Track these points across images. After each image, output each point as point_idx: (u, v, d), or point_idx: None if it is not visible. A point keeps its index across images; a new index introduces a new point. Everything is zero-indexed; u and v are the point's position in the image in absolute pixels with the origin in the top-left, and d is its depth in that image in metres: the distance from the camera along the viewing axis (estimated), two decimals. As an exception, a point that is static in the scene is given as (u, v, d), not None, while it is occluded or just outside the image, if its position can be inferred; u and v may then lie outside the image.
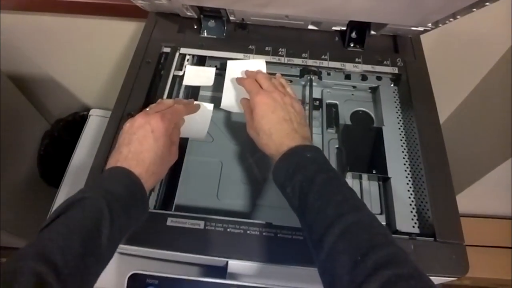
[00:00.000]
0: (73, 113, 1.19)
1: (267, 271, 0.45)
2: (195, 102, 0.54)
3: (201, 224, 0.45)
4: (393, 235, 0.45)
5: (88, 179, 0.49)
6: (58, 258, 0.31)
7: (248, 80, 0.52)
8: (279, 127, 0.45)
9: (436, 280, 0.45)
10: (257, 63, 0.58)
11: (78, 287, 0.32)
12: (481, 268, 0.97)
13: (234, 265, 0.44)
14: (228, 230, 0.45)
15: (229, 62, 0.59)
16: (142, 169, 0.41)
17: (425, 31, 0.58)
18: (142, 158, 0.42)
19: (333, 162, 0.56)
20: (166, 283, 0.43)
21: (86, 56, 0.97)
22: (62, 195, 0.65)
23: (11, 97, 1.00)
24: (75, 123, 1.18)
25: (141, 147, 0.42)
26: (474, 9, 0.48)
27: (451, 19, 0.52)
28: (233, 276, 0.46)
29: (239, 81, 0.54)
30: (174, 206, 0.51)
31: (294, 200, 0.40)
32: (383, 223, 0.51)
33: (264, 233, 0.44)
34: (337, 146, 0.58)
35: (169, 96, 0.58)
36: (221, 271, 0.46)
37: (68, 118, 1.18)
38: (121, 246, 0.45)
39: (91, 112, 0.73)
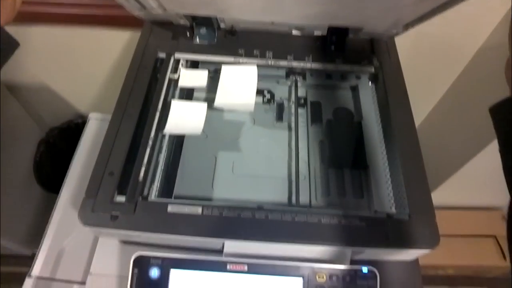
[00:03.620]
0: (68, 121, 1.22)
1: (260, 249, 0.49)
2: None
3: (199, 210, 0.49)
4: (373, 216, 0.51)
5: (91, 181, 0.52)
6: None
7: None
8: None
9: (412, 253, 0.50)
10: (249, 69, 0.63)
11: None
12: (463, 256, 1.03)
13: (230, 245, 0.49)
14: (223, 214, 0.49)
15: (223, 66, 0.64)
16: None
17: (397, 33, 0.65)
18: None
19: (317, 154, 0.62)
20: (168, 263, 0.47)
21: (81, 65, 1.01)
22: (63, 199, 0.68)
23: (8, 105, 1.03)
24: (69, 130, 1.22)
25: None
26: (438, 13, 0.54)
27: (419, 23, 0.58)
28: (229, 255, 0.50)
29: None
30: (173, 197, 0.56)
31: None
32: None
33: (256, 216, 0.49)
34: (320, 139, 0.63)
35: (166, 97, 0.63)
36: (218, 254, 0.51)
37: (62, 126, 1.22)
38: (124, 233, 0.50)
39: (90, 115, 0.77)
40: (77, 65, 1.01)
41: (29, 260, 0.62)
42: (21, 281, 0.59)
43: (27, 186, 1.12)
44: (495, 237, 1.05)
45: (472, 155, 0.90)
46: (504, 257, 1.02)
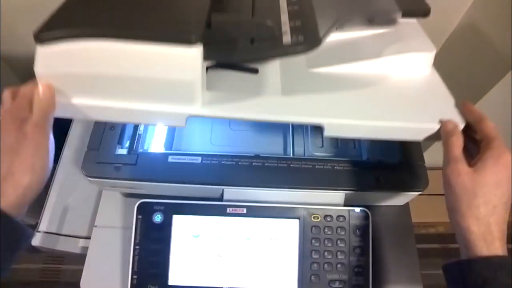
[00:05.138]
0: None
1: (258, 195, 0.52)
2: None
3: (198, 159, 0.51)
4: (365, 161, 0.53)
5: (92, 135, 0.53)
6: None
7: (492, 125, 0.39)
8: (502, 213, 0.37)
9: (402, 195, 0.53)
10: None
11: None
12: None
13: (229, 192, 0.51)
14: (222, 163, 0.51)
15: None
16: None
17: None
18: None
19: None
20: (170, 208, 0.50)
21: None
22: (65, 159, 0.69)
23: (5, 78, 1.03)
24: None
25: None
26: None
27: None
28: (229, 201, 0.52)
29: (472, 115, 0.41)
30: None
31: None
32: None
33: (253, 163, 0.51)
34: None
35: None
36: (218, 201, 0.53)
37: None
38: (127, 183, 0.52)
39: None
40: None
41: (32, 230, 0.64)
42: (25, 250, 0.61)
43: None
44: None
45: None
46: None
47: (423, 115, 0.41)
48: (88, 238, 0.60)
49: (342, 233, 0.49)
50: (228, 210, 0.49)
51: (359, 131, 0.42)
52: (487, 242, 0.35)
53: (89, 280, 0.55)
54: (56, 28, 0.35)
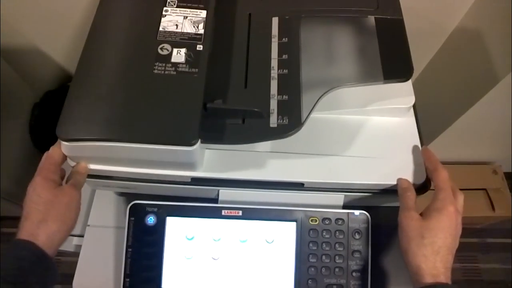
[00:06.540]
0: (62, 85, 1.21)
1: (254, 197, 0.50)
2: None
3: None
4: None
5: None
6: None
7: (447, 179, 0.46)
8: (446, 254, 0.42)
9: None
10: None
11: None
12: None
13: (225, 193, 0.50)
14: (218, 162, 0.50)
15: None
16: None
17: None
18: None
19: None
20: (164, 210, 0.48)
21: (74, 26, 0.98)
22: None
23: (5, 76, 1.02)
24: (63, 94, 1.20)
25: None
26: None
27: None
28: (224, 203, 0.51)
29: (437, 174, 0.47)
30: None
31: None
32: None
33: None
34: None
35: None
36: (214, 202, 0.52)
37: (56, 90, 1.21)
38: (120, 184, 0.50)
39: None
40: (70, 27, 0.98)
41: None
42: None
43: (25, 149, 1.12)
44: (485, 190, 1.08)
45: (462, 112, 0.90)
46: (493, 209, 1.06)
47: (385, 174, 0.48)
48: (81, 236, 0.58)
49: (341, 236, 0.48)
50: (223, 212, 0.48)
51: (332, 186, 0.49)
52: (433, 277, 0.41)
53: (82, 281, 0.54)
54: (75, 131, 0.42)
